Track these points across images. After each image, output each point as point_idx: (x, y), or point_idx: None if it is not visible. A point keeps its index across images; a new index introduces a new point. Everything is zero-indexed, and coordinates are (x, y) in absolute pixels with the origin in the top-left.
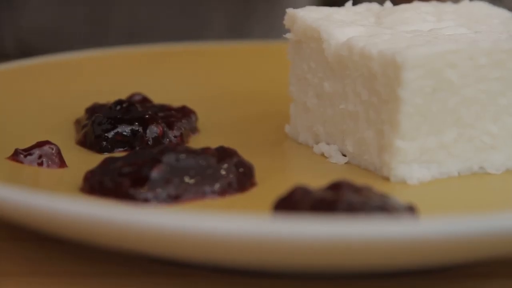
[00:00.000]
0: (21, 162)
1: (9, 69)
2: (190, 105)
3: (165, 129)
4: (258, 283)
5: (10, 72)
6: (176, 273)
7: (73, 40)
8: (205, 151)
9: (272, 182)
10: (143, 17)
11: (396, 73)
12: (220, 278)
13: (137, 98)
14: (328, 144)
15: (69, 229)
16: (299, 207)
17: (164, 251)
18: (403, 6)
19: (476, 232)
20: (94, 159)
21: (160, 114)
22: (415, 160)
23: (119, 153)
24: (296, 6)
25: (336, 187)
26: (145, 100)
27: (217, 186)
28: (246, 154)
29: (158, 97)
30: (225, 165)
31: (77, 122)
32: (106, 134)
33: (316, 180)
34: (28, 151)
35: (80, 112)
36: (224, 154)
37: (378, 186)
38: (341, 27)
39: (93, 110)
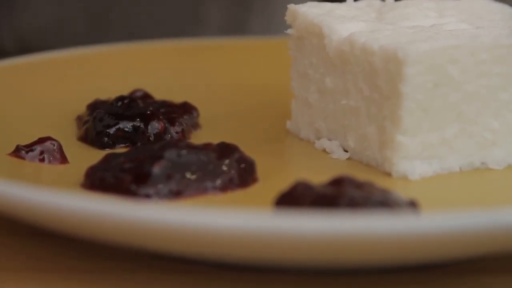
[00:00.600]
0: (23, 158)
1: (11, 65)
2: (192, 101)
3: (166, 125)
4: (259, 278)
5: (12, 68)
6: (178, 269)
7: (73, 39)
8: (206, 147)
9: (274, 178)
10: (143, 15)
11: (398, 68)
12: (221, 274)
13: (138, 94)
14: (329, 139)
15: (70, 225)
16: (300, 203)
17: (165, 247)
18: (404, 2)
19: (478, 228)
20: (95, 155)
21: (162, 110)
22: (417, 155)
23: (120, 149)
24: (295, 1)
25: (337, 182)
26: (146, 96)
27: (218, 182)
28: (247, 149)
29: (159, 93)
30: (227, 161)
31: (79, 118)
32: (107, 130)
33: (318, 176)
34: (29, 147)
35: (81, 108)
36: (225, 150)
37: (380, 182)
38: (342, 23)
39: (95, 106)
